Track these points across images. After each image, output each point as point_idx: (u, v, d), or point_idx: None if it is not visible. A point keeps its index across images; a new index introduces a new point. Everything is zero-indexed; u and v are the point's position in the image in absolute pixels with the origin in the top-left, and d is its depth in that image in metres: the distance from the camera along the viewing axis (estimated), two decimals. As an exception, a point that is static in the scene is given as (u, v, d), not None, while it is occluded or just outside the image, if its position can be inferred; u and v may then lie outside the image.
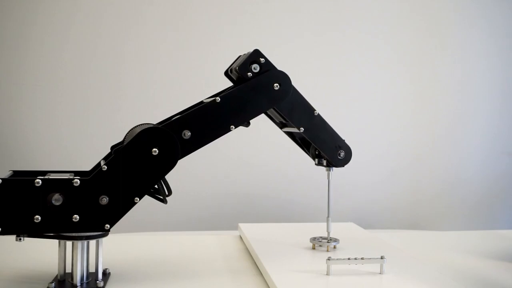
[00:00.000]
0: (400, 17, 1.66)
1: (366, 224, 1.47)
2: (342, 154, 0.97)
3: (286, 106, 0.91)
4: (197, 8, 1.56)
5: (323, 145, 0.96)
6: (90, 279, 0.84)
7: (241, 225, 1.22)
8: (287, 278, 0.84)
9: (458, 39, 1.70)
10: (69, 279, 0.84)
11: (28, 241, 0.81)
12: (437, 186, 1.71)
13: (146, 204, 0.91)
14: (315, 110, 0.94)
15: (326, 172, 1.01)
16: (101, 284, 0.82)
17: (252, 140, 1.56)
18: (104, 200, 0.79)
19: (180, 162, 0.84)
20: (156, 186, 0.85)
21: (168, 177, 0.85)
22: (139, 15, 1.54)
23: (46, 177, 0.81)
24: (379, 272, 0.87)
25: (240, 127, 0.89)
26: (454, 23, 1.69)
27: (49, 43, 1.50)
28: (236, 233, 1.24)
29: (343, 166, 0.99)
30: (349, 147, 0.98)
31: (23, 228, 0.77)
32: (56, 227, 0.78)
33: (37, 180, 0.77)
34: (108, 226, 0.80)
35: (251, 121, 0.91)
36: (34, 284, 0.85)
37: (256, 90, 0.88)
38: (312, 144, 0.97)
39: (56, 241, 0.83)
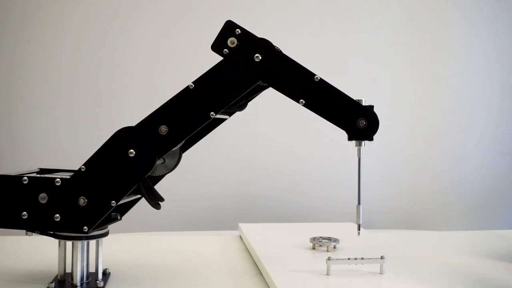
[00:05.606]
0: (400, 16, 1.66)
1: (366, 224, 1.47)
2: (364, 123, 0.77)
3: (276, 78, 0.76)
4: (197, 7, 1.56)
5: (334, 117, 0.78)
6: (90, 279, 0.84)
7: (241, 225, 1.22)
8: (287, 278, 0.84)
9: (458, 39, 1.69)
10: (69, 279, 0.84)
11: (28, 241, 0.81)
12: (437, 186, 1.71)
13: (146, 204, 0.91)
14: (315, 75, 0.77)
15: (356, 148, 0.81)
16: (101, 284, 0.82)
17: (252, 141, 1.56)
18: (82, 201, 0.77)
19: (180, 163, 0.83)
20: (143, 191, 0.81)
21: (167, 177, 0.85)
22: (138, 15, 1.54)
23: (32, 175, 0.81)
24: (379, 272, 0.87)
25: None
26: (454, 23, 1.69)
27: (49, 43, 1.50)
28: (236, 233, 1.24)
29: (372, 139, 0.78)
30: (372, 112, 0.77)
31: (11, 224, 0.78)
32: (40, 225, 0.78)
33: (24, 178, 0.77)
34: (86, 228, 0.76)
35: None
36: (34, 284, 0.85)
37: (234, 66, 0.75)
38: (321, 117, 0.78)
39: (56, 241, 0.83)
